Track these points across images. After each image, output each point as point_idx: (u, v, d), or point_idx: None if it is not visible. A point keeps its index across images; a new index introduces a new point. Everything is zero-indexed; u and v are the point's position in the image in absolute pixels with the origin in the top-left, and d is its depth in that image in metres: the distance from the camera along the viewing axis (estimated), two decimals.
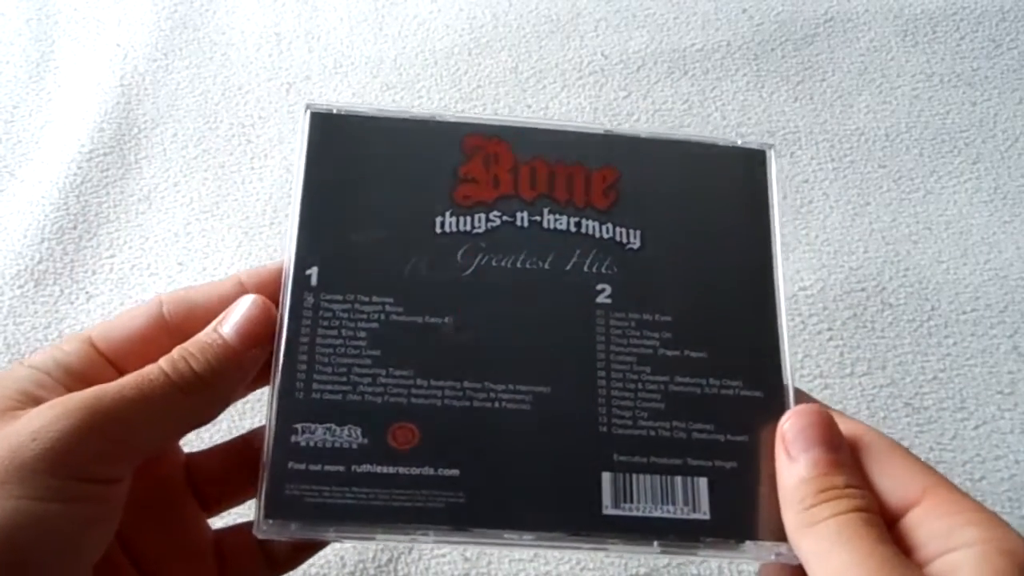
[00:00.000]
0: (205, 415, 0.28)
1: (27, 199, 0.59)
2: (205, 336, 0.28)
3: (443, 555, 0.43)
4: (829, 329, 0.50)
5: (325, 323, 0.30)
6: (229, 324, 0.29)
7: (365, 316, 0.30)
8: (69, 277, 0.55)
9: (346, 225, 0.31)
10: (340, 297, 0.30)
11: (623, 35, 0.67)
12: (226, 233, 0.57)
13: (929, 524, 0.25)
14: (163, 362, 0.27)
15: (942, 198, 0.56)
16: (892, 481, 0.26)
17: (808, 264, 0.53)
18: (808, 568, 0.26)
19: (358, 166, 0.32)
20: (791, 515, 0.27)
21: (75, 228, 0.58)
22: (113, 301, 0.54)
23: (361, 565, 0.43)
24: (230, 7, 0.72)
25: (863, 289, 0.51)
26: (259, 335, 0.29)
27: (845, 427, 0.28)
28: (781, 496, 0.27)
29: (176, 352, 0.28)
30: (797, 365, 0.49)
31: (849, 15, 0.67)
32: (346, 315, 0.30)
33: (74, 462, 0.24)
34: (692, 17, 0.68)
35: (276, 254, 0.56)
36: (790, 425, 0.28)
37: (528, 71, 0.65)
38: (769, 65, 0.64)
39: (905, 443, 0.45)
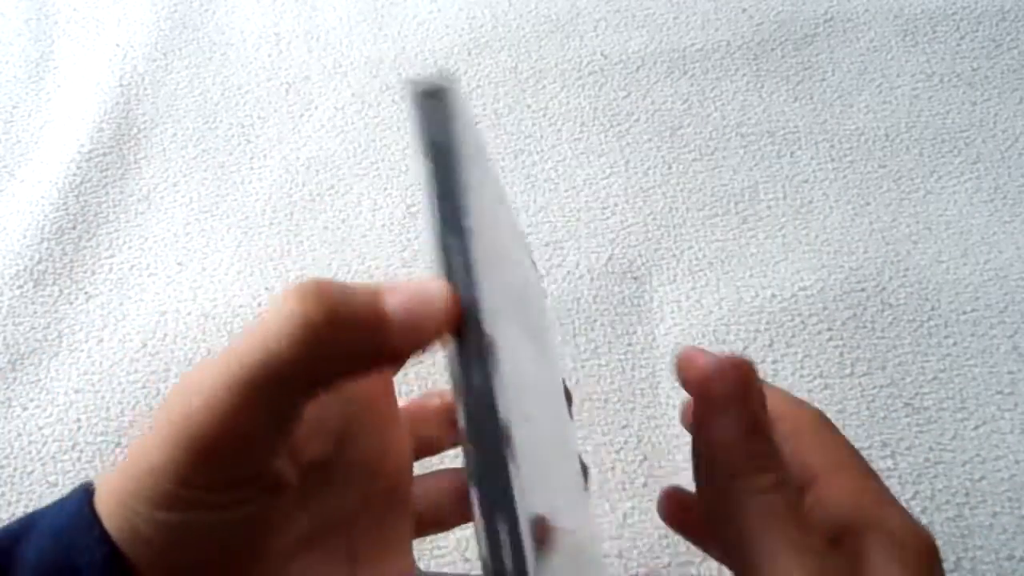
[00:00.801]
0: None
1: (26, 199, 0.59)
2: (362, 288, 0.22)
3: (443, 556, 0.43)
4: (829, 329, 0.50)
5: None
6: (396, 292, 0.22)
7: None
8: (68, 277, 0.55)
9: None
10: None
11: (623, 35, 0.67)
12: (225, 233, 0.57)
13: (823, 509, 0.26)
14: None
15: (942, 198, 0.56)
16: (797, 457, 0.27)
17: (808, 264, 0.53)
18: (727, 538, 0.25)
19: None
20: (709, 479, 0.26)
21: (74, 228, 0.58)
22: (112, 301, 0.54)
23: None
24: (229, 7, 0.72)
25: (863, 289, 0.51)
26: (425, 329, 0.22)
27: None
28: (704, 455, 0.26)
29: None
30: (797, 365, 0.49)
31: (849, 15, 0.67)
32: None
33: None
34: (692, 17, 0.68)
35: (276, 254, 0.56)
36: (718, 376, 0.26)
37: (528, 71, 0.65)
38: (769, 65, 0.64)
39: (905, 443, 0.45)
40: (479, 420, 0.21)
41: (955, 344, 0.49)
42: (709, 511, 0.26)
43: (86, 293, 0.55)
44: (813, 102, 0.62)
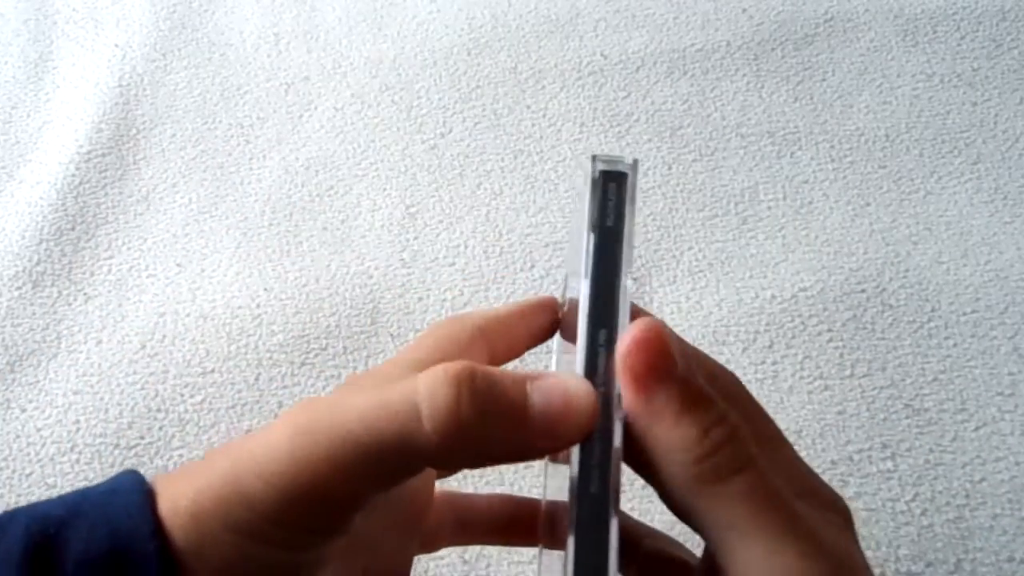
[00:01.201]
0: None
1: (25, 200, 0.59)
2: (511, 383, 0.22)
3: (442, 557, 0.43)
4: (829, 330, 0.50)
5: None
6: (544, 393, 0.22)
7: None
8: (67, 278, 0.55)
9: None
10: None
11: (622, 35, 0.67)
12: (224, 234, 0.57)
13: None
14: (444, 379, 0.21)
15: (942, 199, 0.56)
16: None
17: (808, 265, 0.53)
18: (718, 536, 0.22)
19: None
20: (678, 471, 0.22)
21: (73, 229, 0.58)
22: (111, 302, 0.54)
23: None
24: (229, 7, 0.72)
25: (863, 290, 0.51)
26: (573, 429, 0.22)
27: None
28: (658, 450, 0.22)
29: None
30: (798, 366, 0.49)
31: (849, 15, 0.67)
32: None
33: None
34: (692, 17, 0.68)
35: (275, 255, 0.56)
36: (632, 354, 0.22)
37: (527, 71, 0.65)
38: (769, 65, 0.64)
39: (905, 445, 0.45)
40: (586, 524, 0.21)
41: (955, 345, 0.49)
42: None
43: (85, 294, 0.54)
44: (813, 102, 0.62)
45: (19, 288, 0.55)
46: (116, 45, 0.69)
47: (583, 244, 0.24)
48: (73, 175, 0.60)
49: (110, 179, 0.60)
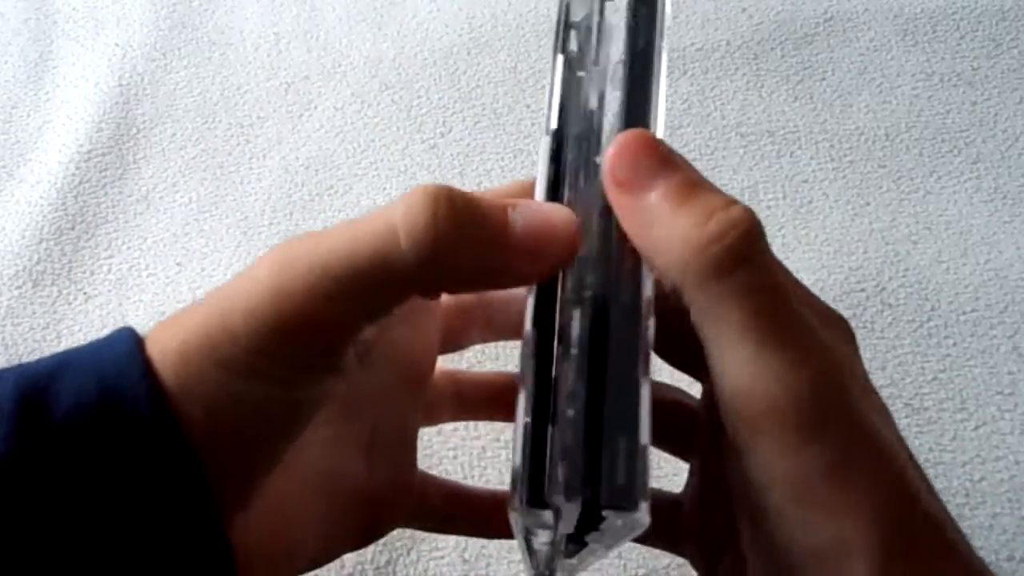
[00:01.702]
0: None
1: (25, 199, 0.59)
2: (491, 203, 0.21)
3: (441, 556, 0.43)
4: None
5: None
6: (524, 214, 0.21)
7: None
8: (67, 278, 0.55)
9: None
10: None
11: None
12: (225, 233, 0.57)
13: None
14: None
15: (942, 198, 0.56)
16: None
17: (807, 264, 0.53)
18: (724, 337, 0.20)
19: None
20: (677, 274, 0.20)
21: (73, 229, 0.58)
22: (112, 302, 0.54)
23: (360, 567, 0.43)
24: (229, 7, 0.72)
25: (863, 289, 0.51)
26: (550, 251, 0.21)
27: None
28: (647, 247, 0.21)
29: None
30: None
31: (849, 14, 0.67)
32: None
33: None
34: (691, 16, 0.68)
35: None
36: (616, 157, 0.21)
37: (527, 71, 0.65)
38: (769, 64, 0.64)
39: None
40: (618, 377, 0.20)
41: (955, 344, 0.49)
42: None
43: (85, 294, 0.55)
44: (813, 102, 0.62)
45: (19, 287, 0.55)
46: (116, 44, 0.69)
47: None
48: (73, 174, 0.60)
49: (110, 178, 0.61)
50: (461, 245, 0.20)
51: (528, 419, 0.20)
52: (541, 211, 0.22)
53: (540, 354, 0.21)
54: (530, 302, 0.22)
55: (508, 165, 0.60)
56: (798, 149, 0.59)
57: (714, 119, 0.61)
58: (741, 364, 0.20)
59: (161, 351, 0.22)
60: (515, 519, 0.20)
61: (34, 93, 0.67)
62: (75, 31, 0.71)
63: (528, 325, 0.22)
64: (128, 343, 0.23)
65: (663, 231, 0.20)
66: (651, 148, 0.21)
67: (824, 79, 0.63)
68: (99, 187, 0.60)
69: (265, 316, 0.21)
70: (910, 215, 0.55)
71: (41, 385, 0.22)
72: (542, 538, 0.22)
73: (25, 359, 0.51)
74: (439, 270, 0.21)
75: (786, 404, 0.19)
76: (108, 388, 0.21)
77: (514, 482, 0.20)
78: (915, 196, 0.56)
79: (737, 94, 0.63)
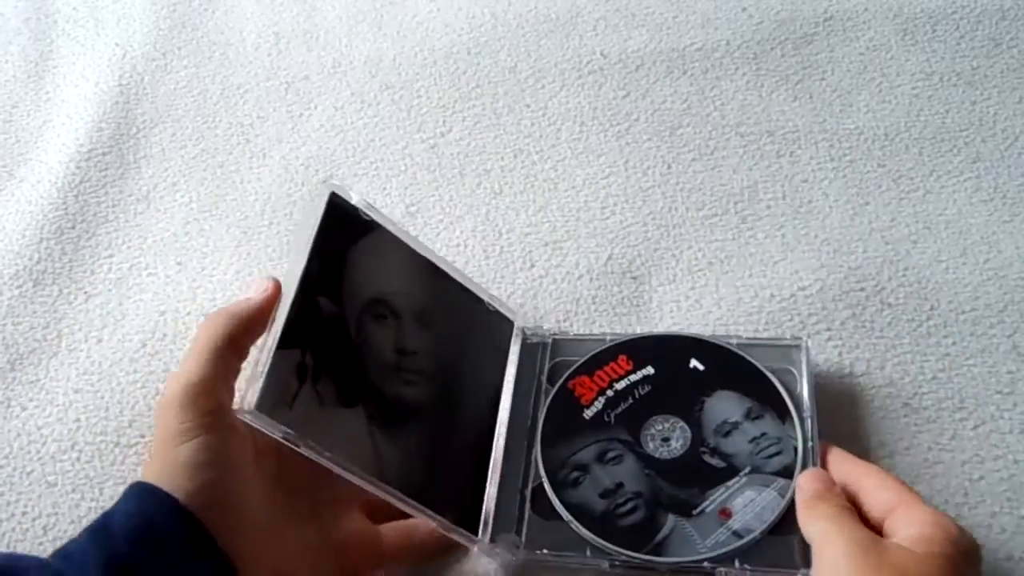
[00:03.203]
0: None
1: (26, 199, 0.59)
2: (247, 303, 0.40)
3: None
4: (828, 329, 0.50)
5: None
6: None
7: None
8: (68, 277, 0.55)
9: None
10: None
11: (622, 34, 0.67)
12: (224, 233, 0.57)
13: (894, 521, 0.37)
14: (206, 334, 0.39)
15: (941, 197, 0.56)
16: (876, 497, 0.39)
17: (807, 264, 0.53)
18: (814, 543, 0.38)
19: None
20: (802, 511, 0.39)
21: (74, 228, 0.58)
22: (112, 301, 0.54)
23: None
24: (229, 7, 0.72)
25: (862, 289, 0.51)
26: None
27: (847, 468, 0.41)
28: (799, 509, 0.40)
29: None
30: None
31: (848, 14, 0.67)
32: None
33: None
34: (691, 16, 0.68)
35: (275, 254, 0.56)
36: (801, 479, 0.41)
37: (527, 71, 0.65)
38: (769, 64, 0.64)
39: (904, 443, 0.45)
40: None
41: (954, 344, 0.49)
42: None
43: (85, 293, 0.55)
44: (813, 102, 0.62)
45: (20, 287, 0.55)
46: (116, 44, 0.69)
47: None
48: (73, 174, 0.60)
49: (110, 178, 0.61)
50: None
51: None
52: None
53: None
54: None
55: (508, 165, 0.60)
56: (797, 148, 0.59)
57: (713, 118, 0.61)
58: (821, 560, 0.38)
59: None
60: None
61: (35, 93, 0.67)
62: (75, 31, 0.71)
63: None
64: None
65: (804, 498, 0.41)
66: (824, 475, 0.41)
67: (824, 79, 0.63)
68: (99, 186, 0.60)
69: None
70: (909, 214, 0.55)
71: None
72: None
73: (26, 358, 0.52)
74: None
75: None
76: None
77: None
78: (914, 195, 0.56)
79: (737, 93, 0.63)
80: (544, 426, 0.46)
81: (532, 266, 0.54)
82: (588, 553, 0.41)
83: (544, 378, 0.47)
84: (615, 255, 0.54)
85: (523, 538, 0.42)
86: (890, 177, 0.57)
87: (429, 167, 0.60)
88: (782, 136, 0.60)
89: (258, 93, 0.65)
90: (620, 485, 0.43)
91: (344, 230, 0.44)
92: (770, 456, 0.43)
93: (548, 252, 0.55)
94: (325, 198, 0.43)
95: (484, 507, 0.42)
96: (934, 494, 0.44)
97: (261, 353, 0.38)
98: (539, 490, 0.43)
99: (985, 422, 0.46)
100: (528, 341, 0.49)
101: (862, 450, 0.45)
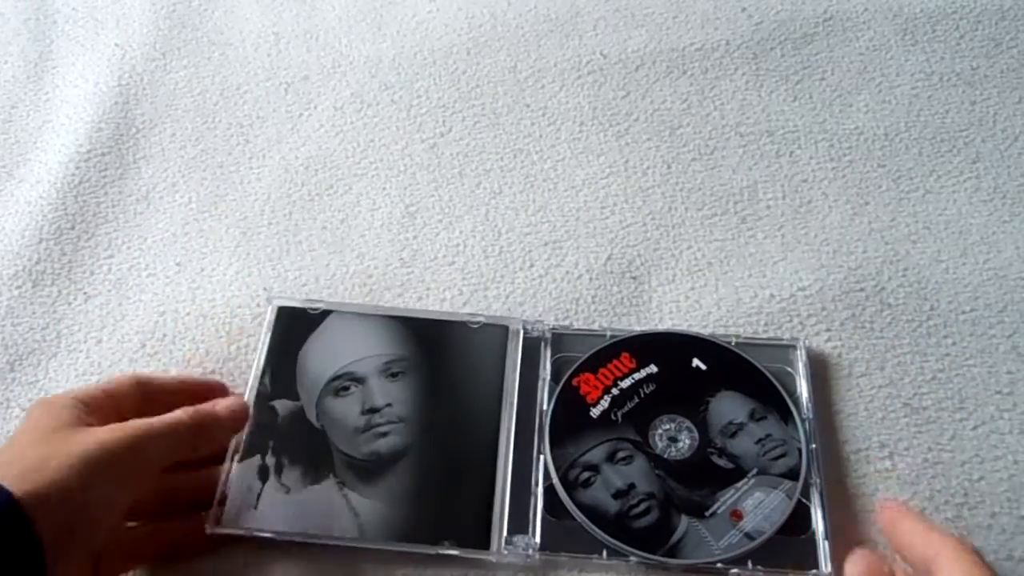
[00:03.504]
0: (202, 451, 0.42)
1: (25, 199, 0.59)
2: (210, 407, 0.42)
3: None
4: (828, 330, 0.50)
5: None
6: (223, 406, 0.43)
7: None
8: (67, 278, 0.55)
9: None
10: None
11: (622, 34, 0.67)
12: (224, 233, 0.57)
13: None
14: (183, 412, 0.41)
15: (941, 197, 0.56)
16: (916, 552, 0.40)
17: (807, 264, 0.53)
18: None
19: None
20: None
21: (73, 228, 0.58)
22: (111, 302, 0.54)
23: None
24: (228, 7, 0.72)
25: (862, 289, 0.51)
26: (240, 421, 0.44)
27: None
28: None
29: (191, 409, 0.41)
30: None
31: (848, 14, 0.67)
32: None
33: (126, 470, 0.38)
34: (691, 16, 0.68)
35: (275, 254, 0.56)
36: (848, 565, 0.41)
37: (527, 71, 0.65)
38: (768, 64, 0.64)
39: (903, 444, 0.45)
40: None
41: (954, 344, 0.49)
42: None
43: (85, 293, 0.55)
44: (812, 101, 0.62)
45: (19, 287, 0.55)
46: (116, 44, 0.69)
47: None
48: (73, 174, 0.60)
49: (110, 178, 0.61)
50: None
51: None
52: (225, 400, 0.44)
53: None
54: None
55: (507, 164, 0.60)
56: (797, 148, 0.59)
57: (713, 118, 0.61)
58: None
59: None
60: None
61: (34, 93, 0.67)
62: (75, 31, 0.71)
63: None
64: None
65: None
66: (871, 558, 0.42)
67: (824, 79, 0.63)
68: (99, 187, 0.60)
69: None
70: (909, 214, 0.55)
71: None
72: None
73: (25, 358, 0.51)
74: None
75: None
76: None
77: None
78: (914, 195, 0.56)
79: (736, 94, 0.63)
80: (551, 425, 0.46)
81: (532, 266, 0.54)
82: (605, 555, 0.41)
83: (547, 374, 0.47)
84: (615, 255, 0.54)
85: (536, 539, 0.42)
86: (890, 177, 0.57)
87: (429, 167, 0.60)
88: (782, 136, 0.60)
89: (257, 93, 0.65)
90: (632, 486, 0.43)
91: (296, 331, 0.49)
92: (776, 458, 0.43)
93: (548, 252, 0.55)
94: (269, 314, 0.49)
95: (494, 512, 0.43)
96: (934, 494, 0.44)
97: (223, 475, 0.43)
98: (550, 490, 0.43)
99: (985, 422, 0.46)
100: (529, 335, 0.49)
101: (862, 450, 0.45)
